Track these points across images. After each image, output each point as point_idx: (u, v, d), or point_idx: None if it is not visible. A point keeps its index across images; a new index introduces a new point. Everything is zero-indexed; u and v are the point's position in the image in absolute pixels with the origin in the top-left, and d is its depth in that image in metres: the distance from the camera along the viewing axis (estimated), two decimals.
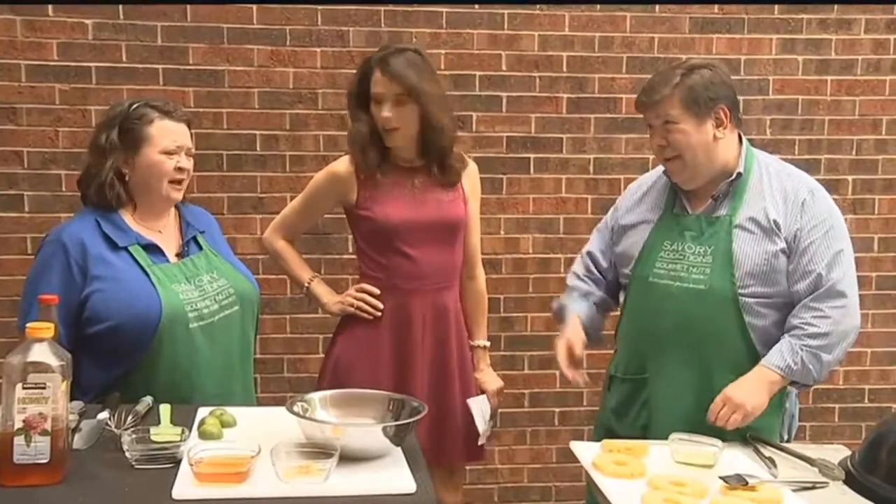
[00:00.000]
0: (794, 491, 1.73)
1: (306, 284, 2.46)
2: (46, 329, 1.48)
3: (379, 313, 2.33)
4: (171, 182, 2.11)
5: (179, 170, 2.12)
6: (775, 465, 1.87)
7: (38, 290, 1.98)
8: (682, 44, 3.39)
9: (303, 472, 1.49)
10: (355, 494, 1.47)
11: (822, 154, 3.50)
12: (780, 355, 2.02)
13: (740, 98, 3.31)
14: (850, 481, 1.81)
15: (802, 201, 2.08)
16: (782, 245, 2.06)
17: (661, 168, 2.23)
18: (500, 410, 2.58)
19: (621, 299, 2.33)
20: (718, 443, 1.87)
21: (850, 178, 3.52)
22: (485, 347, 2.52)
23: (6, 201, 3.16)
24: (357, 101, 2.34)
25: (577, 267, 2.40)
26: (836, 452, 1.98)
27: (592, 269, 2.36)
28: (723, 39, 3.41)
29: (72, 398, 1.97)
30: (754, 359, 2.07)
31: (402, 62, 2.25)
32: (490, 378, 2.52)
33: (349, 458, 1.58)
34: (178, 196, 2.15)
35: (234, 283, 2.19)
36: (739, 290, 2.07)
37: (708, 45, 3.40)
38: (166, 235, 2.17)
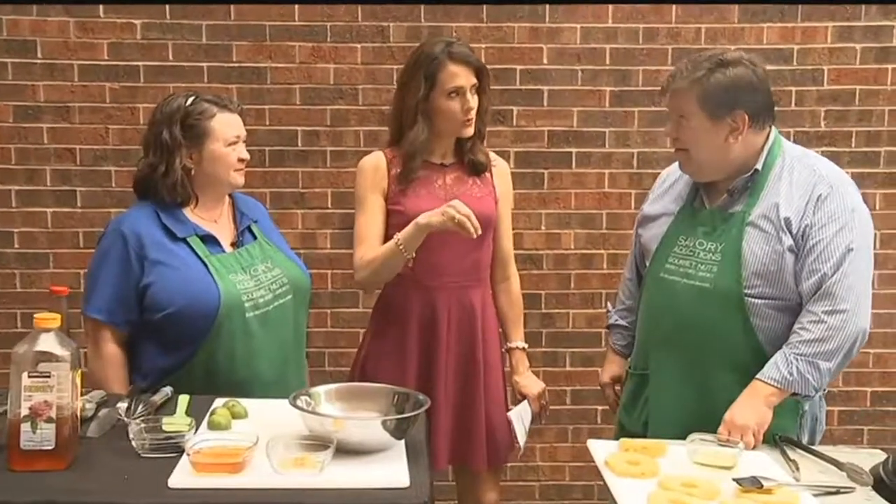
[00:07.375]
0: (815, 495, 1.66)
1: (397, 244, 2.19)
2: (53, 319, 1.52)
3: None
4: (236, 170, 2.18)
5: (241, 160, 2.19)
6: (798, 469, 1.80)
7: (99, 278, 2.09)
8: (731, 34, 3.28)
9: (298, 464, 1.49)
10: (348, 487, 1.47)
11: (882, 146, 3.36)
12: (776, 367, 1.93)
13: (792, 89, 3.29)
14: (880, 487, 1.72)
15: (818, 197, 1.96)
16: (790, 243, 1.96)
17: None
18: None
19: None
20: (740, 444, 1.81)
21: None
22: (522, 349, 2.48)
23: (60, 197, 3.27)
24: (421, 107, 2.26)
25: (620, 291, 2.42)
26: (869, 457, 1.89)
27: (627, 297, 2.37)
28: (774, 28, 3.29)
29: (132, 383, 2.06)
30: (762, 360, 1.97)
31: (468, 50, 2.27)
32: (530, 382, 2.47)
33: (349, 451, 1.58)
34: (242, 180, 2.21)
35: (287, 273, 2.22)
36: (746, 291, 1.98)
37: (758, 34, 3.28)
38: (221, 226, 2.22)
